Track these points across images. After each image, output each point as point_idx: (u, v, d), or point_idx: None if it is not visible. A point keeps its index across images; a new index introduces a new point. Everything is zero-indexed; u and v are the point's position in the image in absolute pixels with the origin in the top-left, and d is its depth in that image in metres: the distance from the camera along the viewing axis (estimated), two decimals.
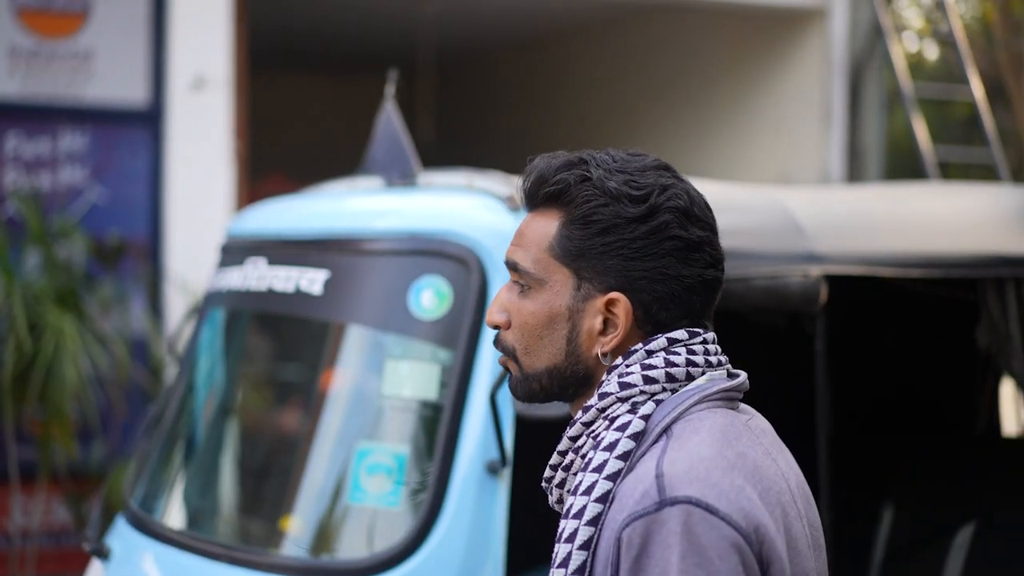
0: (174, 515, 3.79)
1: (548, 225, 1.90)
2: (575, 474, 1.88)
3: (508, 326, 1.94)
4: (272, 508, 3.62)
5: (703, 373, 1.89)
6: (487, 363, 3.26)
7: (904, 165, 10.34)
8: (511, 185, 3.45)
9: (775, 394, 3.65)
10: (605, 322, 1.88)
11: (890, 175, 9.67)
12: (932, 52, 11.62)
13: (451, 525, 3.20)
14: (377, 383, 3.36)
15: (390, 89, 3.80)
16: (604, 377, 1.88)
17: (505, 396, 3.18)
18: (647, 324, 1.88)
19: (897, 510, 4.55)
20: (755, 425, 1.91)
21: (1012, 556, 4.34)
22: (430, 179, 3.70)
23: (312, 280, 3.49)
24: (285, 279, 3.55)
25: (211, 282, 3.97)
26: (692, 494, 1.73)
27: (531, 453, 3.04)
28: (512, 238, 1.96)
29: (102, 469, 6.90)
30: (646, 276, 1.86)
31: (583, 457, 1.86)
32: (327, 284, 3.46)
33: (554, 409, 3.11)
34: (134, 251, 7.60)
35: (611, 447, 1.82)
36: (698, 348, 1.89)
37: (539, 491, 1.99)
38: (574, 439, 1.89)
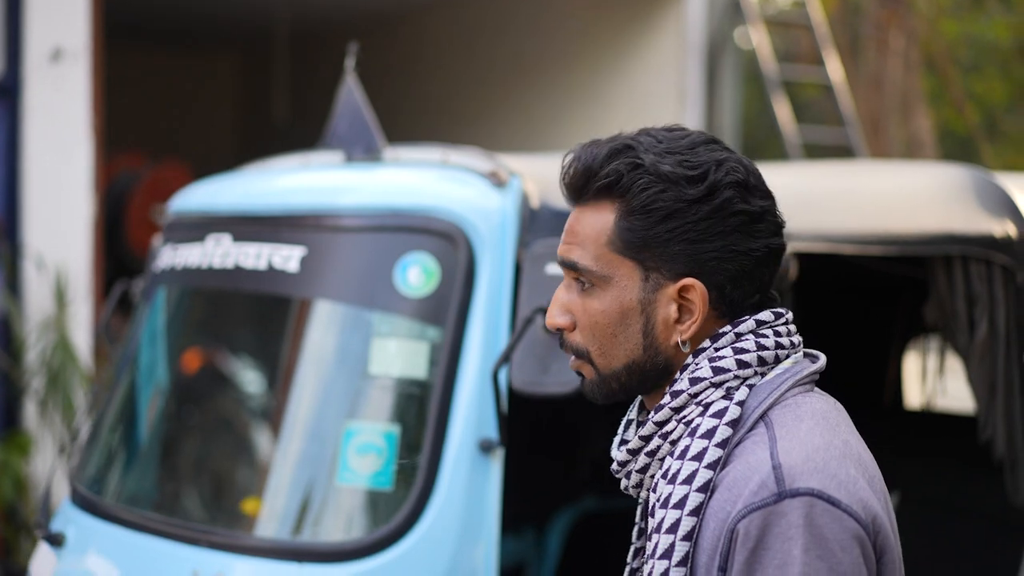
0: (134, 499, 3.67)
1: (603, 219, 1.84)
2: (661, 460, 1.85)
3: (573, 328, 1.89)
4: (242, 490, 3.53)
5: (787, 356, 1.87)
6: (477, 340, 3.23)
7: (762, 145, 10.56)
8: (491, 161, 3.42)
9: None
10: (680, 309, 1.84)
11: (747, 156, 9.86)
12: (791, 34, 11.85)
13: (444, 505, 3.16)
14: (362, 361, 3.30)
15: (350, 62, 3.72)
16: (690, 361, 1.85)
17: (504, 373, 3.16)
18: (721, 304, 1.85)
19: None
20: (841, 408, 1.91)
21: (929, 526, 4.48)
22: (397, 154, 3.64)
23: (287, 257, 3.40)
24: (255, 256, 3.46)
25: (158, 261, 3.85)
26: (814, 486, 1.71)
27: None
28: (564, 236, 1.89)
29: None
30: (715, 256, 1.82)
31: (673, 443, 1.84)
32: (304, 261, 3.38)
33: (554, 387, 3.10)
34: None
35: (709, 434, 1.79)
36: (783, 329, 1.88)
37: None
38: (660, 424, 1.85)
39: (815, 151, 9.77)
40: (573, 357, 1.91)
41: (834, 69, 8.84)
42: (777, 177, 4.09)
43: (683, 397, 1.83)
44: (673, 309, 1.84)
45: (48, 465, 6.86)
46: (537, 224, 3.30)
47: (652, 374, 1.87)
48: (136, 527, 3.43)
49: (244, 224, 3.56)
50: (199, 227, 3.68)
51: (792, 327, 1.89)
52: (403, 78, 11.70)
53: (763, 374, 1.85)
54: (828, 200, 3.89)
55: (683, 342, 1.85)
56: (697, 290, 1.83)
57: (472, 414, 3.20)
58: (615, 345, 1.86)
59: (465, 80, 11.21)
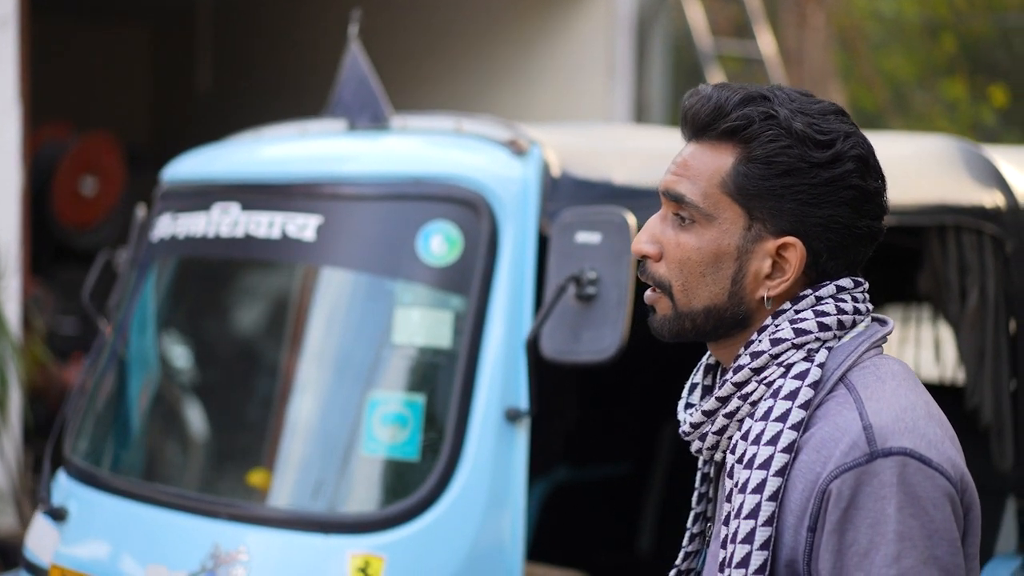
0: (143, 472, 3.61)
1: (721, 159, 1.85)
2: (740, 421, 1.86)
3: (659, 258, 1.89)
4: (255, 461, 3.48)
5: (861, 321, 1.89)
6: (501, 309, 3.21)
7: None
8: (510, 129, 3.40)
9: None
10: (773, 265, 1.85)
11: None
12: (714, 8, 11.91)
13: (471, 475, 3.15)
14: (386, 331, 3.27)
15: (353, 29, 3.68)
16: (769, 323, 1.86)
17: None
18: (812, 271, 1.86)
19: None
20: (912, 370, 1.93)
21: None
22: (405, 122, 3.61)
23: (302, 226, 3.36)
24: (268, 225, 3.41)
25: (153, 230, 3.77)
26: (906, 445, 1.74)
27: None
28: (672, 167, 1.89)
29: None
30: (822, 223, 1.83)
31: (753, 404, 1.84)
32: (320, 230, 3.34)
33: (588, 355, 3.10)
34: None
35: (792, 396, 1.80)
36: (859, 296, 1.90)
37: None
38: (739, 385, 1.85)
39: None
40: (649, 290, 1.91)
41: (766, 43, 8.92)
42: None
43: (764, 358, 1.84)
44: (767, 264, 1.85)
45: None
46: (559, 193, 3.30)
47: (728, 322, 1.87)
48: (149, 500, 3.37)
49: (253, 192, 3.50)
50: (202, 195, 3.62)
51: (867, 295, 1.92)
52: (329, 50, 11.58)
53: (839, 337, 1.86)
54: None
55: (768, 299, 1.86)
56: (797, 250, 1.84)
57: (497, 383, 3.19)
58: (701, 285, 1.86)
59: (391, 54, 11.12)
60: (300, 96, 10.11)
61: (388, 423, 3.20)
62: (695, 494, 2.01)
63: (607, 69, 9.66)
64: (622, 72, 9.67)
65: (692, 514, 2.02)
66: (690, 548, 2.03)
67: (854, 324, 1.87)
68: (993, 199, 3.99)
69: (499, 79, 10.28)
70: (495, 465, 3.16)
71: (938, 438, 1.78)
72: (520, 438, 3.20)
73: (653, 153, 3.76)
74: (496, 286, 3.22)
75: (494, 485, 3.16)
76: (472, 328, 3.20)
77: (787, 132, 1.82)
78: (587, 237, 3.10)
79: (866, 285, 1.91)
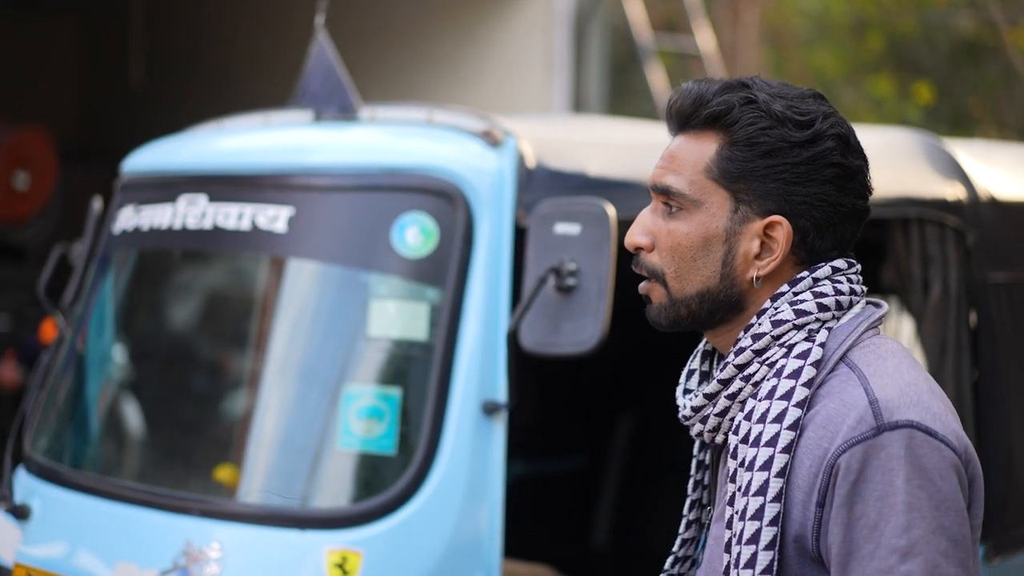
0: (108, 468, 3.54)
1: (705, 147, 1.90)
2: (742, 402, 1.88)
3: (651, 249, 1.93)
4: (230, 457, 3.42)
5: (856, 302, 1.93)
6: (477, 301, 3.19)
7: (635, 115, 10.63)
8: (484, 120, 3.38)
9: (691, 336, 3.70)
10: (761, 245, 1.89)
11: None
12: (662, 5, 11.95)
13: (448, 468, 3.12)
14: (361, 324, 3.23)
15: (320, 19, 3.63)
16: (768, 305, 1.89)
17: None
18: (801, 251, 1.90)
19: None
20: (908, 350, 1.97)
21: None
22: (374, 113, 3.57)
23: (273, 217, 3.31)
24: (237, 216, 3.35)
25: (114, 223, 3.70)
26: (912, 418, 1.77)
27: None
28: (659, 162, 1.93)
29: None
30: (806, 201, 1.87)
31: (756, 384, 1.87)
32: (292, 221, 3.29)
33: (568, 347, 3.08)
34: None
35: (795, 375, 1.83)
36: (853, 277, 1.93)
37: None
38: (741, 367, 1.88)
39: None
40: (644, 281, 1.94)
41: (704, 39, 8.95)
42: None
43: (766, 339, 1.87)
44: (756, 244, 1.89)
45: None
46: (534, 184, 3.28)
47: (723, 305, 1.91)
48: (116, 497, 3.31)
49: (221, 184, 3.45)
50: (166, 187, 3.56)
51: (860, 276, 1.95)
52: (266, 43, 11.49)
53: (837, 318, 1.90)
54: None
55: (757, 279, 1.89)
56: (784, 229, 1.88)
57: (474, 376, 3.16)
58: (693, 270, 1.90)
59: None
60: (241, 89, 10.02)
61: (364, 417, 3.17)
62: (690, 481, 2.04)
63: (545, 63, 9.64)
64: (560, 66, 9.66)
65: (688, 501, 2.05)
66: (687, 535, 2.05)
67: (851, 305, 1.91)
68: (955, 192, 4.02)
69: (437, 74, 10.23)
70: (473, 458, 3.14)
71: (941, 411, 1.81)
72: (498, 431, 3.18)
73: (626, 144, 3.76)
74: (472, 278, 3.19)
75: (472, 478, 3.14)
76: (448, 320, 3.17)
77: (767, 114, 1.87)
78: (566, 228, 3.08)
79: (859, 267, 1.94)
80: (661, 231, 1.91)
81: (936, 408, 1.81)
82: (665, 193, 1.91)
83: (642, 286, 1.95)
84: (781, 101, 1.88)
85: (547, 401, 5.15)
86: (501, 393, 3.17)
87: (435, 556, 3.11)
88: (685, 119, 1.92)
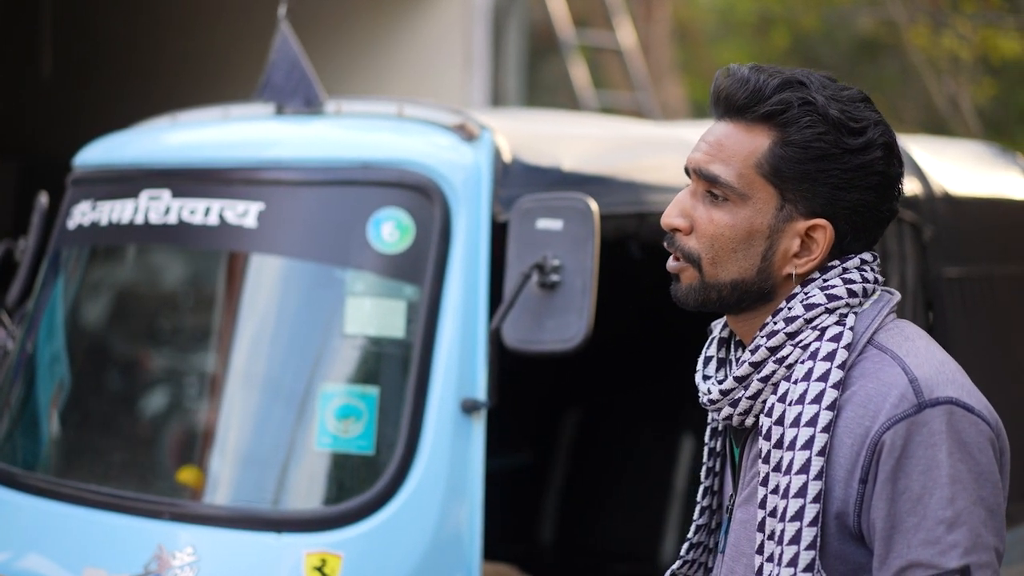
0: (71, 472, 3.43)
1: (756, 141, 1.92)
2: (775, 384, 1.92)
3: (688, 232, 1.96)
4: (203, 458, 3.33)
5: (876, 290, 1.99)
6: (455, 298, 3.14)
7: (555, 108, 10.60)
8: (458, 114, 3.33)
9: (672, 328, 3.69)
10: (801, 244, 1.93)
11: None
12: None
13: (428, 468, 3.08)
14: (337, 321, 3.16)
15: (282, 10, 3.56)
16: (798, 291, 1.94)
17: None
18: (836, 251, 1.95)
19: None
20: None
21: None
22: (339, 106, 3.50)
23: (242, 212, 3.23)
24: (204, 212, 3.27)
25: (68, 218, 3.59)
26: (951, 394, 1.85)
27: None
28: (704, 147, 1.95)
29: None
30: (850, 207, 1.92)
31: (789, 367, 1.91)
32: (262, 216, 3.22)
33: (553, 344, 3.05)
34: None
35: (830, 357, 1.88)
36: (875, 267, 2.00)
37: None
38: (773, 350, 1.92)
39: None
40: (673, 259, 1.97)
41: (625, 34, 8.96)
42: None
43: (799, 322, 1.91)
44: (796, 243, 1.93)
45: None
46: (510, 178, 3.24)
47: (753, 296, 1.95)
48: (81, 502, 3.21)
49: (185, 178, 3.36)
50: (125, 181, 3.46)
51: (881, 266, 2.02)
52: (168, 35, 11.30)
53: (862, 304, 1.95)
54: None
55: (796, 276, 1.94)
56: (827, 232, 1.92)
57: (453, 374, 3.12)
58: (731, 259, 1.93)
59: (240, 41, 10.89)
60: (156, 83, 9.84)
61: (342, 416, 3.11)
62: (703, 469, 2.09)
63: (464, 59, 9.60)
64: (479, 62, 9.62)
65: (701, 488, 2.10)
66: (700, 521, 2.11)
67: (874, 292, 1.97)
68: (911, 187, 4.05)
69: (354, 69, 10.13)
70: (452, 457, 3.10)
71: (973, 388, 1.90)
72: (477, 430, 3.14)
73: (601, 139, 3.72)
74: (450, 274, 3.15)
75: (452, 478, 3.10)
76: (426, 317, 3.12)
77: (823, 119, 1.90)
78: (548, 223, 3.05)
79: (879, 258, 2.00)
80: (702, 217, 1.94)
81: (968, 385, 1.89)
82: (711, 181, 1.93)
83: (671, 264, 1.98)
84: (836, 105, 1.90)
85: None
86: (480, 391, 3.14)
87: (416, 557, 3.06)
88: (738, 109, 1.93)
